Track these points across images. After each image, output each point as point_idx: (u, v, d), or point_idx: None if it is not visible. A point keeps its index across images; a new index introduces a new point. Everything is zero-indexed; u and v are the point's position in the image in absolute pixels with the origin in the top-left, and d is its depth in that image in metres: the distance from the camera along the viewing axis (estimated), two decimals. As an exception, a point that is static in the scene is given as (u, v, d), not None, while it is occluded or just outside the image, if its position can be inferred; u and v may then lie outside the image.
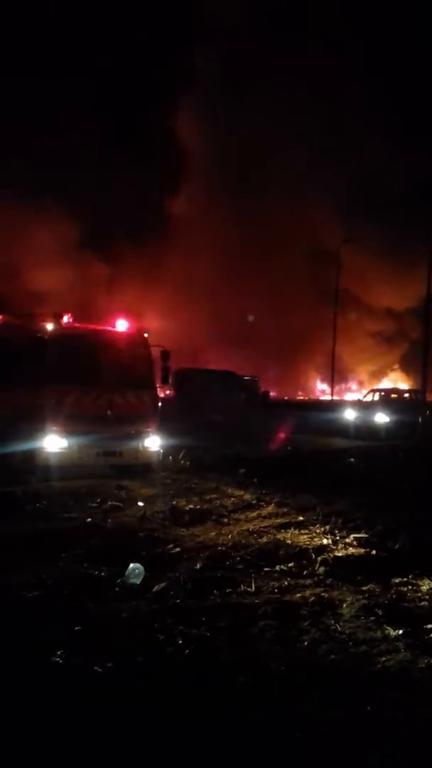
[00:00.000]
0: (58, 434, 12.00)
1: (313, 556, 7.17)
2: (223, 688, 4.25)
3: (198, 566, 6.74)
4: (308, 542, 7.79)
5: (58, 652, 4.55)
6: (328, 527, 8.48)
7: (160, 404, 13.51)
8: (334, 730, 3.83)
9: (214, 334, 43.64)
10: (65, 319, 12.83)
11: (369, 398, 30.76)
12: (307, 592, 6.05)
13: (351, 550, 7.49)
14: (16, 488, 10.32)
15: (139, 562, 6.51)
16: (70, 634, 4.93)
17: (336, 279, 39.13)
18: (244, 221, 44.91)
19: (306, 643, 4.97)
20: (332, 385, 43.41)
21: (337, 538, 8.00)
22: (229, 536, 8.09)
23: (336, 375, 43.89)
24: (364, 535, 8.04)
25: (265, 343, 45.90)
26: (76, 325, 13.01)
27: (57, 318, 12.71)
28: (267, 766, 3.52)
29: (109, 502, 9.87)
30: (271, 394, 41.63)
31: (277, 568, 6.83)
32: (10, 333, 13.66)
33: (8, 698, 4.01)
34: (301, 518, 9.05)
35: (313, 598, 5.88)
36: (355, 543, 7.77)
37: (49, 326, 12.55)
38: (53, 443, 11.96)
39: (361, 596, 5.97)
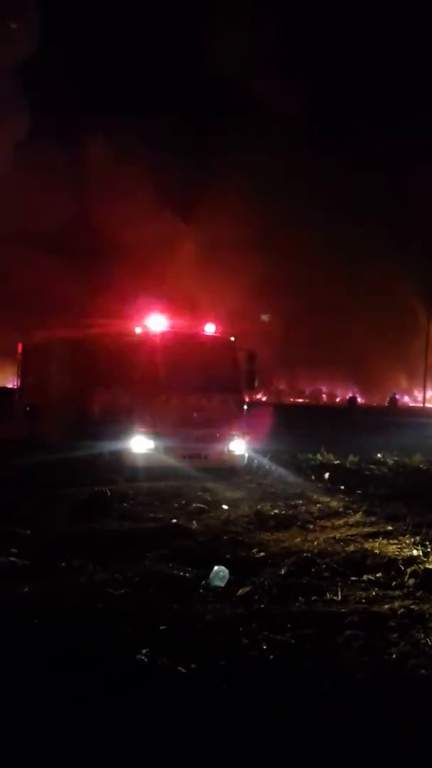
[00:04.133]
0: (145, 436, 12.18)
1: (403, 567, 6.91)
2: (308, 696, 4.15)
3: (283, 572, 6.64)
4: (397, 553, 7.53)
5: (143, 651, 4.57)
6: (418, 538, 8.16)
7: (246, 408, 13.48)
8: (425, 747, 3.66)
9: (292, 336, 42.87)
10: (155, 322, 13.01)
11: None
12: (396, 604, 5.85)
13: (443, 562, 7.19)
14: (104, 488, 10.53)
15: (223, 565, 6.48)
16: (155, 634, 4.96)
17: None
18: (328, 220, 43.93)
19: (394, 656, 4.79)
20: (425, 391, 42.13)
21: (428, 549, 7.68)
22: (315, 543, 7.95)
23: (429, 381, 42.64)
24: (456, 548, 7.71)
25: (349, 349, 44.84)
26: (164, 329, 13.17)
27: (146, 322, 12.92)
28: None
29: (194, 504, 9.91)
30: (359, 400, 40.92)
31: (365, 577, 6.64)
32: (101, 336, 14.00)
33: (94, 693, 4.05)
34: (390, 528, 8.77)
35: (401, 610, 5.67)
36: (447, 555, 7.45)
37: (138, 329, 12.77)
38: (140, 444, 12.15)
39: (453, 611, 5.71)
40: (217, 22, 39.23)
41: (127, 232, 34.38)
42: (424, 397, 42.87)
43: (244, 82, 39.60)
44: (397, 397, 40.38)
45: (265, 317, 44.80)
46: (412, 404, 44.44)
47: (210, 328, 13.60)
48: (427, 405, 43.04)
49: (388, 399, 39.62)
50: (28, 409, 16.26)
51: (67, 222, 35.43)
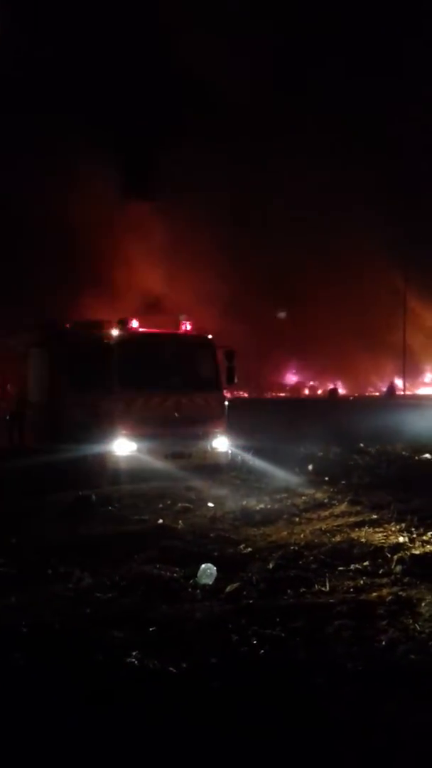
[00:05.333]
0: (127, 438, 12.14)
1: (389, 554, 6.97)
2: (300, 689, 4.16)
3: (271, 566, 6.66)
4: (383, 540, 7.59)
5: (133, 653, 4.56)
6: (403, 525, 8.24)
7: (227, 404, 13.49)
8: (418, 732, 3.68)
9: (270, 327, 42.71)
10: (131, 324, 12.98)
11: None
12: (384, 591, 5.89)
13: (429, 547, 7.24)
14: (89, 491, 10.48)
15: (211, 563, 6.48)
16: (145, 635, 4.95)
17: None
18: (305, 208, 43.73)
19: (384, 643, 4.82)
20: (404, 379, 42.42)
21: (414, 535, 7.76)
22: (302, 535, 7.98)
23: (407, 368, 42.91)
24: (442, 532, 7.77)
25: (325, 337, 44.85)
26: (142, 329, 13.14)
27: (123, 323, 12.88)
28: (348, 770, 3.42)
29: (180, 504, 9.90)
30: (341, 391, 41.14)
31: (352, 567, 6.68)
32: (78, 339, 13.92)
33: (85, 698, 4.03)
34: (375, 516, 8.84)
35: (390, 598, 5.71)
36: (433, 540, 7.52)
37: (115, 332, 12.73)
38: (122, 447, 12.11)
39: (440, 595, 5.76)
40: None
41: (98, 230, 33.72)
42: (404, 385, 43.15)
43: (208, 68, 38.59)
44: (394, 385, 41.22)
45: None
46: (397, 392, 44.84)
47: (187, 327, 13.57)
48: (406, 392, 43.30)
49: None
50: (8, 417, 16.13)
51: (35, 222, 34.64)
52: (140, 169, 37.37)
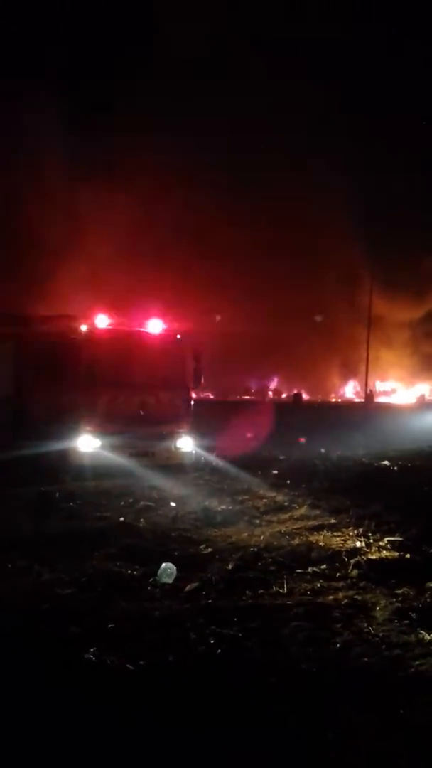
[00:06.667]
0: (92, 434, 12.11)
1: (346, 558, 7.10)
2: (255, 688, 4.24)
3: (230, 567, 6.73)
4: (341, 545, 7.73)
5: (91, 649, 4.59)
6: (361, 530, 8.40)
7: (192, 404, 13.54)
8: (367, 734, 3.79)
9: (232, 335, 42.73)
10: (99, 320, 12.94)
11: None
12: (340, 595, 6.01)
13: (385, 553, 7.41)
14: (51, 487, 10.43)
15: (171, 562, 6.53)
16: (103, 632, 4.97)
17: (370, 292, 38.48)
18: (272, 223, 43.91)
19: (338, 646, 4.93)
20: (366, 385, 42.96)
21: (371, 540, 7.92)
22: (261, 537, 8.07)
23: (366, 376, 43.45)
24: (398, 539, 7.94)
25: (288, 344, 45.11)
26: (110, 326, 13.10)
27: (91, 319, 12.84)
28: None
29: (142, 502, 9.92)
30: (304, 396, 41.50)
31: (310, 570, 6.79)
32: (46, 334, 13.83)
33: (42, 693, 4.05)
34: (333, 520, 8.99)
35: (345, 601, 5.84)
36: (389, 546, 7.68)
37: (83, 327, 12.68)
38: (87, 443, 12.08)
39: (394, 599, 5.90)
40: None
41: (60, 218, 32.70)
42: (366, 392, 43.62)
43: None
44: (373, 391, 41.83)
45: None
46: (357, 399, 45.45)
47: (156, 326, 13.58)
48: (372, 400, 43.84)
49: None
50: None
51: None
52: (93, 146, 35.67)
